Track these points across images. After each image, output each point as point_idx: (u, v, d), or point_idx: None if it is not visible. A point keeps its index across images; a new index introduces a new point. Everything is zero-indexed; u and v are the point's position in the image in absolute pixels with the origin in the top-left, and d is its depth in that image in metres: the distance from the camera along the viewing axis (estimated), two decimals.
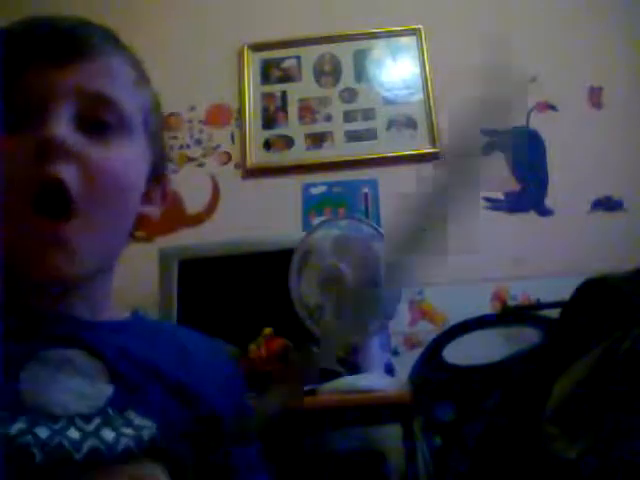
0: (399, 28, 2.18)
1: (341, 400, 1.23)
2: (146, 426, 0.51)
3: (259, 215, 1.99)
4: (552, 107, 2.07)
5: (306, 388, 1.25)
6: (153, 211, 0.64)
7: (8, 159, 0.50)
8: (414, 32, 2.16)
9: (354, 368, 1.35)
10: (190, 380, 0.58)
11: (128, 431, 0.50)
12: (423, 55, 2.13)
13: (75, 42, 0.54)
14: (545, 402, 0.71)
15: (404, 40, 2.17)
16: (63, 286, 0.54)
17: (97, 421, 0.49)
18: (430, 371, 1.66)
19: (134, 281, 1.91)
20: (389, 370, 1.47)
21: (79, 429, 0.48)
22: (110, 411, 0.50)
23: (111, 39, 0.59)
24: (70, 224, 0.51)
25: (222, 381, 0.63)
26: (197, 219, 2.05)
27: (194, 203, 2.06)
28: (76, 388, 0.50)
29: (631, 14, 2.13)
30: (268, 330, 1.37)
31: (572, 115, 2.06)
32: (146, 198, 0.61)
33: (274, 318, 1.46)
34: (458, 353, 1.68)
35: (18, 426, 0.46)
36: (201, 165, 2.10)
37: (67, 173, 0.50)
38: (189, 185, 2.08)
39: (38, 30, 0.55)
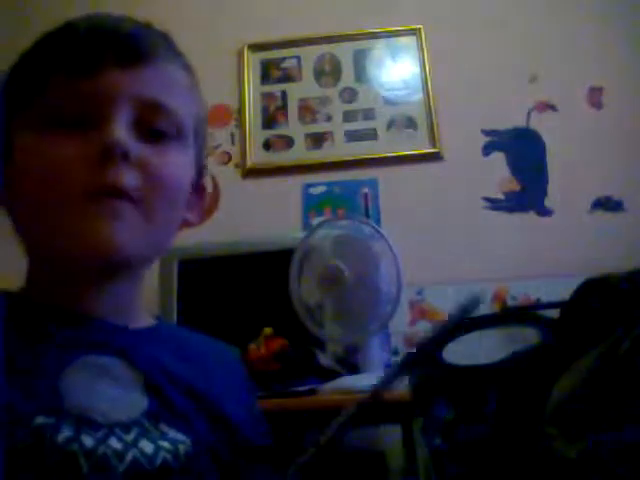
0: (399, 28, 2.18)
1: (341, 400, 1.23)
2: (181, 441, 0.50)
3: (259, 215, 1.99)
4: (552, 107, 2.07)
5: (306, 388, 1.25)
6: (193, 217, 0.63)
7: (61, 160, 0.50)
8: (414, 32, 2.16)
9: (354, 368, 1.35)
10: (215, 395, 0.57)
11: (165, 444, 0.49)
12: (423, 55, 2.13)
13: (139, 46, 0.54)
14: (544, 402, 0.72)
15: (404, 40, 2.17)
16: (110, 263, 0.52)
17: (136, 431, 0.48)
18: (430, 371, 1.67)
19: None
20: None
21: (119, 439, 0.47)
22: (146, 423, 0.49)
23: (170, 44, 0.60)
24: (128, 207, 0.51)
25: (242, 394, 0.63)
26: None
27: None
28: (115, 396, 0.49)
29: (631, 14, 2.13)
30: (268, 330, 1.37)
31: (572, 115, 2.06)
32: (187, 204, 0.61)
33: (274, 318, 1.46)
34: (458, 353, 1.68)
35: (65, 434, 0.44)
36: None
37: (128, 179, 0.50)
38: None
39: (103, 31, 0.54)
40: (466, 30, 2.17)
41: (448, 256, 1.92)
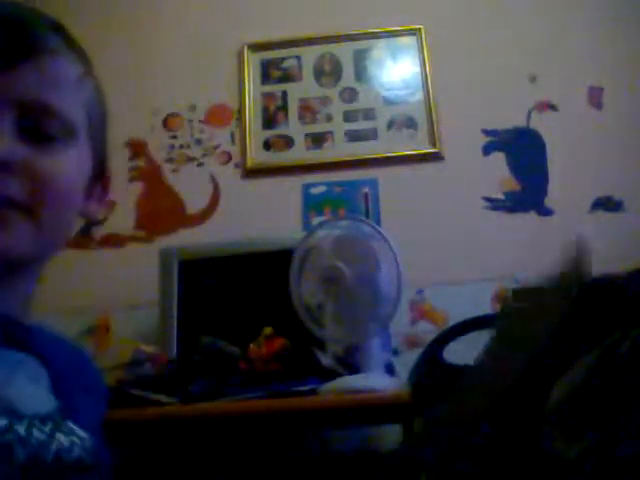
0: (399, 28, 2.18)
1: (341, 400, 1.23)
2: (85, 438, 0.52)
3: (259, 215, 1.99)
4: (552, 107, 2.07)
5: (306, 388, 1.25)
6: (93, 207, 0.63)
7: None
8: (414, 32, 2.16)
9: (354, 368, 1.35)
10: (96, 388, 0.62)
11: (76, 440, 0.51)
12: (423, 55, 2.13)
13: (19, 44, 0.52)
14: (544, 402, 0.71)
15: (404, 40, 2.17)
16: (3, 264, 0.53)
17: (50, 425, 0.50)
18: (430, 371, 1.66)
19: (134, 281, 1.92)
20: (389, 370, 1.47)
21: (40, 431, 0.48)
22: (56, 416, 0.51)
23: (57, 33, 0.57)
24: (13, 214, 0.51)
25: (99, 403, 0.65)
26: (197, 219, 2.05)
27: (194, 203, 2.06)
28: (30, 392, 0.51)
29: (631, 14, 2.13)
30: (268, 330, 1.37)
31: (572, 115, 2.06)
32: (87, 195, 0.61)
33: (274, 318, 1.46)
34: (458, 353, 1.68)
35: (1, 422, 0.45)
36: (201, 165, 2.10)
37: (12, 189, 0.50)
38: (189, 185, 2.08)
39: None
40: (466, 30, 2.17)
41: (448, 256, 1.92)
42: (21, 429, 0.46)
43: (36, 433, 0.48)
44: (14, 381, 0.50)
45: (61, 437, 0.49)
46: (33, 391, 0.51)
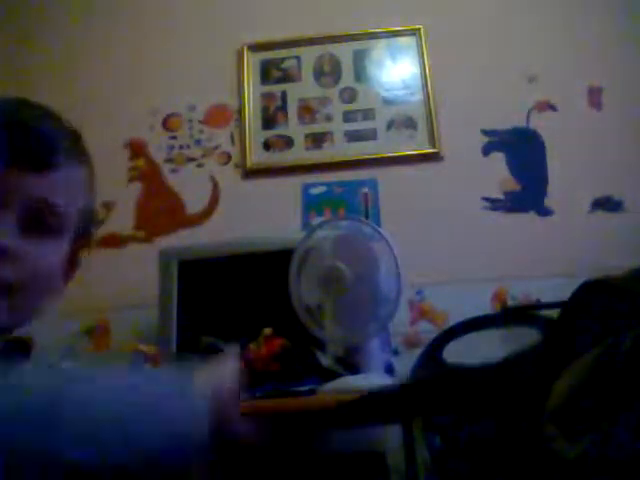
0: (399, 28, 2.18)
1: (341, 400, 1.23)
2: None
3: (259, 215, 1.99)
4: (552, 107, 2.07)
5: (306, 388, 1.25)
6: (62, 285, 0.70)
7: None
8: (414, 32, 2.16)
9: (354, 368, 1.35)
10: None
11: None
12: (423, 55, 2.13)
13: (47, 153, 0.62)
14: (544, 402, 0.71)
15: (404, 40, 2.17)
16: None
17: None
18: (430, 371, 1.66)
19: (134, 281, 1.92)
20: (389, 370, 1.47)
21: None
22: None
23: (75, 146, 0.66)
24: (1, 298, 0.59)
25: None
26: (197, 219, 2.05)
27: (194, 203, 2.06)
28: None
29: (631, 14, 2.13)
30: (268, 330, 1.37)
31: (572, 115, 2.06)
32: (63, 277, 0.69)
33: (274, 318, 1.46)
34: (458, 353, 1.68)
35: None
36: (201, 165, 2.10)
37: (4, 272, 0.58)
38: (189, 185, 2.08)
39: (11, 134, 0.60)
40: (466, 30, 2.17)
41: (448, 256, 1.92)
42: None
43: None
44: None
45: None
46: None
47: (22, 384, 0.51)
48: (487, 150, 2.05)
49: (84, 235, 0.71)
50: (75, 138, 0.67)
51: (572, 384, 0.69)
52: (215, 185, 2.08)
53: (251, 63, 2.18)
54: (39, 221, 0.62)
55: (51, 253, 0.63)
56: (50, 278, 0.65)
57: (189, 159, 2.11)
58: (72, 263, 0.71)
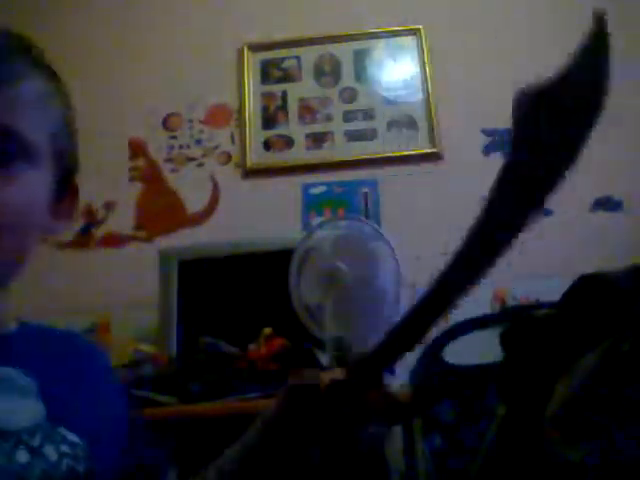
0: (399, 28, 2.18)
1: None
2: (78, 444, 0.53)
3: (259, 215, 1.99)
4: None
5: None
6: (59, 226, 0.63)
7: None
8: (414, 32, 2.16)
9: None
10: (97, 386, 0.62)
11: (66, 449, 0.52)
12: (423, 55, 2.13)
13: None
14: (547, 403, 0.71)
15: (404, 40, 2.17)
16: None
17: (40, 436, 0.51)
18: (430, 371, 1.66)
19: (134, 281, 1.92)
20: (389, 370, 1.47)
21: (27, 446, 0.49)
22: (46, 426, 0.52)
23: (25, 54, 0.58)
24: None
25: (111, 402, 0.65)
26: (197, 219, 2.05)
27: (194, 203, 2.06)
28: (16, 406, 0.51)
29: (631, 14, 2.13)
30: (268, 330, 1.37)
31: None
32: (54, 214, 0.61)
33: (274, 318, 1.46)
34: (458, 353, 1.68)
35: None
36: (201, 165, 2.10)
37: None
38: (189, 185, 2.08)
39: None
40: (466, 30, 2.16)
41: (448, 256, 1.92)
42: (7, 447, 0.48)
43: (20, 454, 0.48)
44: None
45: (50, 450, 0.50)
46: (19, 404, 0.52)
47: None
48: (487, 150, 2.05)
49: (68, 162, 0.62)
50: (23, 45, 0.58)
51: (574, 386, 0.69)
52: (215, 185, 2.08)
53: (251, 63, 2.18)
54: None
55: (22, 185, 0.54)
56: (27, 216, 0.56)
57: (189, 159, 2.11)
58: (65, 194, 0.62)
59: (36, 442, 0.50)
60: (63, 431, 0.52)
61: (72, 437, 0.53)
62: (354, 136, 2.08)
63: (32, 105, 0.56)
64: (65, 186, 0.62)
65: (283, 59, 2.19)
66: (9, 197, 0.53)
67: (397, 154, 2.05)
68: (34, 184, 0.56)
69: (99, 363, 0.68)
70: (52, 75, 0.60)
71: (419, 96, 2.10)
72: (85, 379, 0.62)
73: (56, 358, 0.60)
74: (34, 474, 0.48)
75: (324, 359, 1.34)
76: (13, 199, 0.54)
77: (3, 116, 0.53)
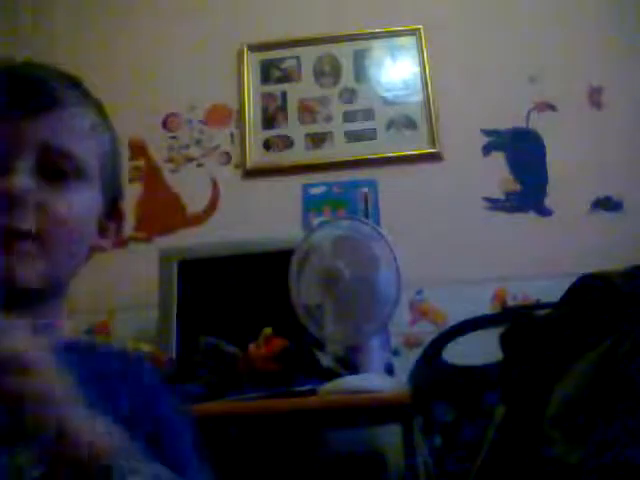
0: (399, 28, 2.18)
1: (341, 400, 1.23)
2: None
3: (259, 215, 1.99)
4: (552, 107, 2.07)
5: (306, 388, 1.25)
6: (106, 243, 0.69)
7: None
8: (414, 32, 2.16)
9: (354, 368, 1.35)
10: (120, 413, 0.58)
11: None
12: (423, 55, 2.13)
13: (43, 95, 0.60)
14: (546, 405, 0.71)
15: (404, 40, 2.17)
16: (12, 293, 0.56)
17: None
18: (430, 371, 1.66)
19: (134, 281, 1.92)
20: (389, 370, 1.47)
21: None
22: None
23: (76, 89, 0.64)
24: (27, 245, 0.56)
25: (157, 406, 0.64)
26: (197, 219, 2.05)
27: (194, 203, 2.06)
28: None
29: (631, 14, 2.13)
30: (268, 330, 1.37)
31: (572, 115, 2.06)
32: (101, 231, 0.67)
33: (274, 318, 1.46)
34: (458, 353, 1.68)
35: None
36: (201, 165, 2.10)
37: (26, 223, 0.56)
38: (189, 185, 2.08)
39: (9, 80, 0.59)
40: (466, 30, 2.17)
41: (448, 256, 1.92)
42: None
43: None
44: None
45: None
46: None
47: None
48: (487, 150, 2.05)
49: (114, 186, 0.69)
50: (76, 82, 0.66)
51: (573, 387, 0.69)
52: (215, 185, 2.08)
53: (251, 63, 2.18)
54: (55, 169, 0.59)
55: (76, 201, 0.60)
56: (79, 229, 0.62)
57: (189, 159, 2.11)
58: (112, 216, 0.69)
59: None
60: None
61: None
62: (354, 136, 2.08)
63: (86, 133, 0.63)
64: (112, 208, 0.69)
65: (283, 59, 2.19)
66: (67, 211, 0.59)
67: (397, 154, 2.05)
68: (88, 201, 0.63)
69: (138, 375, 0.66)
70: (100, 107, 0.68)
71: (419, 96, 2.10)
72: (119, 395, 0.61)
73: (90, 375, 0.59)
74: None
75: (324, 359, 1.34)
76: (71, 213, 0.59)
77: (64, 140, 0.60)
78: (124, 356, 0.69)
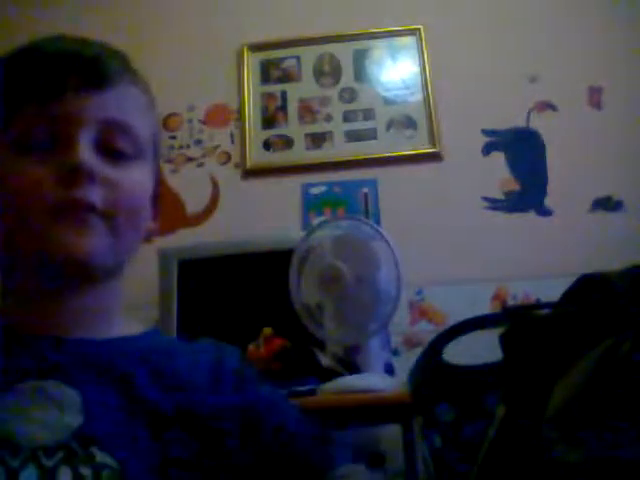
0: (399, 28, 2.18)
1: (341, 400, 1.23)
2: (107, 464, 0.49)
3: (259, 215, 2.00)
4: (552, 107, 2.07)
5: (306, 388, 1.25)
6: (154, 226, 0.69)
7: (33, 181, 0.53)
8: (414, 32, 2.16)
9: (354, 368, 1.35)
10: (196, 409, 0.56)
11: (86, 472, 0.48)
12: (423, 55, 2.13)
13: (101, 71, 0.58)
14: (546, 404, 0.71)
15: (404, 40, 2.17)
16: (79, 268, 0.55)
17: (59, 456, 0.48)
18: (430, 371, 1.66)
19: (134, 281, 1.92)
20: (389, 370, 1.47)
21: (37, 465, 0.47)
22: (74, 445, 0.49)
23: (129, 66, 0.64)
24: (95, 219, 0.55)
25: (230, 398, 0.61)
26: (197, 219, 2.05)
27: (194, 203, 2.06)
28: (43, 418, 0.49)
29: (631, 14, 2.13)
30: (268, 330, 1.37)
31: (572, 115, 2.06)
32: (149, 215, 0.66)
33: (274, 318, 1.46)
34: (458, 353, 1.68)
35: None
36: (201, 165, 2.10)
37: (94, 196, 0.55)
38: (189, 185, 2.08)
39: (67, 56, 0.58)
40: (466, 30, 2.17)
41: (448, 256, 1.92)
42: (14, 464, 0.46)
43: (25, 474, 0.46)
44: (24, 410, 0.49)
45: (65, 472, 0.47)
46: (52, 417, 0.50)
47: None
48: (487, 150, 2.05)
49: (158, 169, 0.68)
50: (128, 61, 0.65)
51: (573, 387, 0.69)
52: (215, 185, 2.08)
53: (251, 63, 2.18)
54: (115, 146, 0.58)
55: (137, 180, 0.60)
56: (142, 207, 0.61)
57: (189, 159, 2.11)
58: (156, 199, 0.68)
59: (51, 462, 0.47)
60: (95, 450, 0.49)
61: (103, 458, 0.49)
62: (354, 136, 2.08)
63: (141, 109, 0.62)
64: (155, 191, 0.67)
65: (283, 59, 2.19)
66: (129, 186, 0.58)
67: (397, 154, 2.05)
68: (146, 180, 0.62)
69: (214, 368, 0.63)
70: (148, 87, 0.66)
71: (419, 96, 2.10)
72: (195, 391, 0.58)
73: (158, 369, 0.58)
74: None
75: (324, 359, 1.34)
76: (132, 188, 0.58)
77: (120, 112, 0.59)
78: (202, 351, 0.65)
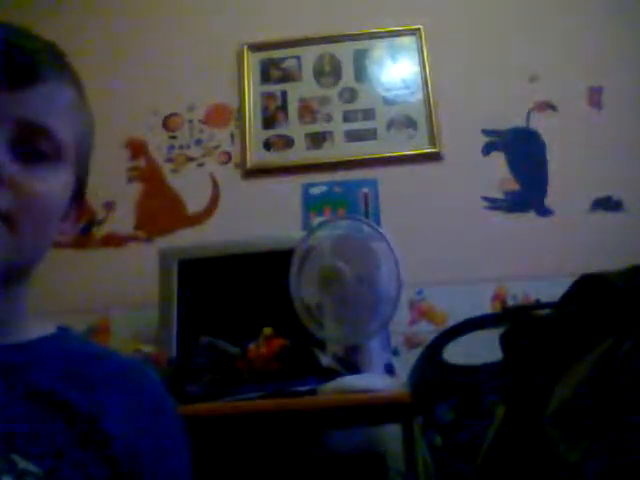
0: (399, 28, 2.18)
1: (341, 400, 1.23)
2: (30, 472, 0.48)
3: (259, 215, 1.99)
4: (552, 107, 2.07)
5: (306, 388, 1.25)
6: (67, 229, 0.65)
7: None
8: (414, 32, 2.16)
9: (354, 368, 1.35)
10: (107, 417, 0.56)
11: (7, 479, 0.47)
12: (423, 55, 2.13)
13: (23, 68, 0.56)
14: (546, 404, 0.71)
15: (404, 40, 2.17)
16: None
17: None
18: (430, 371, 1.66)
19: (134, 281, 1.92)
20: (389, 370, 1.47)
21: None
22: None
23: (56, 60, 0.60)
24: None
25: (145, 419, 0.60)
26: (197, 219, 2.05)
27: (194, 203, 2.06)
28: None
29: (632, 14, 2.13)
30: (268, 330, 1.37)
31: (572, 115, 2.06)
32: (64, 216, 0.63)
33: (274, 318, 1.46)
34: (458, 353, 1.68)
35: None
36: (201, 165, 2.10)
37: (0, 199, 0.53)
38: (189, 185, 2.08)
39: None
40: (466, 30, 2.17)
41: (448, 256, 1.92)
42: None
43: None
44: None
45: None
46: None
47: None
48: (487, 150, 2.05)
49: (85, 168, 0.64)
50: (59, 56, 0.61)
51: (574, 386, 0.69)
52: (215, 185, 2.08)
53: (251, 63, 2.18)
54: (32, 147, 0.56)
55: (51, 183, 0.57)
56: (51, 212, 0.58)
57: (189, 159, 2.11)
58: (77, 203, 0.64)
59: None
60: (16, 457, 0.48)
61: (25, 465, 0.48)
62: (354, 136, 2.08)
63: (64, 109, 0.59)
64: (77, 193, 0.64)
65: (283, 59, 2.19)
66: (41, 192, 0.56)
67: (397, 154, 2.05)
68: (62, 184, 0.59)
69: (134, 386, 0.62)
70: (79, 84, 0.63)
71: (419, 96, 2.10)
72: (105, 402, 0.57)
73: (69, 373, 0.57)
74: None
75: (324, 359, 1.34)
76: (45, 195, 0.56)
77: (41, 115, 0.56)
78: (126, 365, 0.65)
